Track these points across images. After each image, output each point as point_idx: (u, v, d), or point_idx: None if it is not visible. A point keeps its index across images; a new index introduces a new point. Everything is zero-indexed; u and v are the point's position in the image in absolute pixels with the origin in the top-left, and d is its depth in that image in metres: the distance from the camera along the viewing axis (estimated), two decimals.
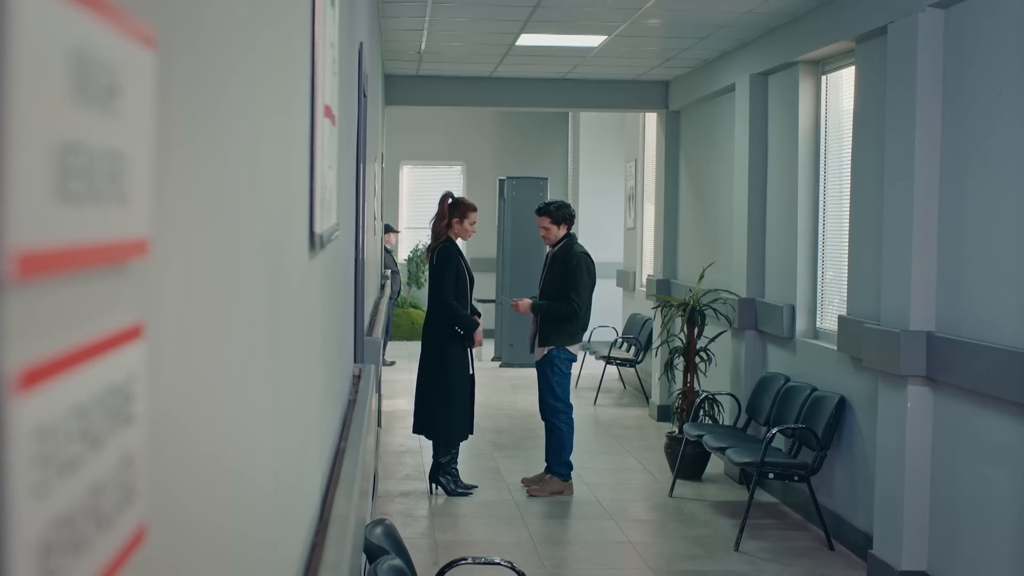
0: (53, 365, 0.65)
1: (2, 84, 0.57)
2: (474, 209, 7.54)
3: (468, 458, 8.53)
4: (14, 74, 0.58)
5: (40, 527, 0.62)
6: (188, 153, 1.08)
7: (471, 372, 7.45)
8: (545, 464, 7.63)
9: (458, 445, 7.53)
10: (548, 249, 7.66)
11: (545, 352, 7.48)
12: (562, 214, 7.54)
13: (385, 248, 13.29)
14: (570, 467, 7.59)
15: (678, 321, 9.01)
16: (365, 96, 5.55)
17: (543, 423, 7.68)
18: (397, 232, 14.92)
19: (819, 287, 7.43)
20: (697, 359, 8.49)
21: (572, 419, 7.64)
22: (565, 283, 7.41)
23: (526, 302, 7.61)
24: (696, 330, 8.47)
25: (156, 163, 0.88)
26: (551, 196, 15.04)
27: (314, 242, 2.44)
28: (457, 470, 7.52)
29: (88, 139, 0.68)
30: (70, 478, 0.67)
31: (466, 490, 7.44)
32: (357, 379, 4.74)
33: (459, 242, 7.56)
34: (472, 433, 7.54)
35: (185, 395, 1.08)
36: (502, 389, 11.97)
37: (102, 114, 0.71)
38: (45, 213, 0.62)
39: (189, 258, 1.09)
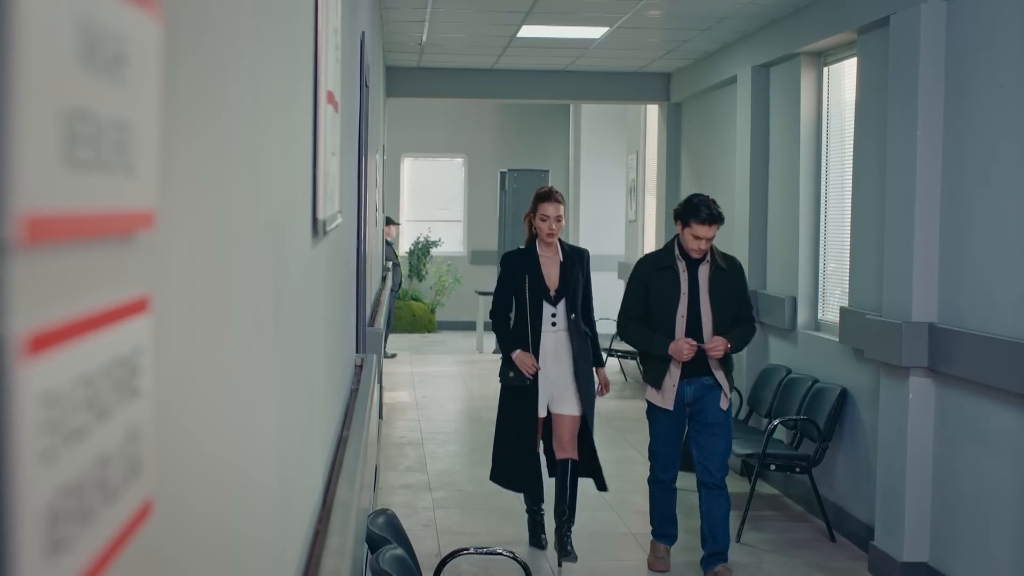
0: (60, 332, 0.64)
1: (11, 48, 0.56)
2: (543, 199, 5.74)
3: (469, 450, 8.53)
4: (23, 38, 0.57)
5: (48, 494, 0.62)
6: (193, 128, 1.08)
7: (535, 411, 5.96)
8: (719, 548, 5.72)
9: (522, 493, 6.16)
10: (676, 259, 5.52)
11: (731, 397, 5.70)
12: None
13: (386, 240, 13.28)
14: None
15: None
16: (367, 86, 5.54)
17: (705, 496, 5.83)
18: (398, 224, 14.90)
19: (821, 278, 7.42)
20: None
21: None
22: (741, 299, 5.60)
23: (721, 342, 5.45)
24: None
25: (162, 136, 0.87)
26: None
27: (317, 228, 2.43)
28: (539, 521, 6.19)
29: (95, 107, 0.68)
30: (77, 447, 0.66)
31: (567, 552, 5.83)
32: (359, 369, 4.74)
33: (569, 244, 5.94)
34: (528, 488, 6.10)
35: (189, 373, 1.07)
36: None
37: (109, 82, 0.70)
38: (53, 178, 0.61)
39: (194, 234, 1.09)
